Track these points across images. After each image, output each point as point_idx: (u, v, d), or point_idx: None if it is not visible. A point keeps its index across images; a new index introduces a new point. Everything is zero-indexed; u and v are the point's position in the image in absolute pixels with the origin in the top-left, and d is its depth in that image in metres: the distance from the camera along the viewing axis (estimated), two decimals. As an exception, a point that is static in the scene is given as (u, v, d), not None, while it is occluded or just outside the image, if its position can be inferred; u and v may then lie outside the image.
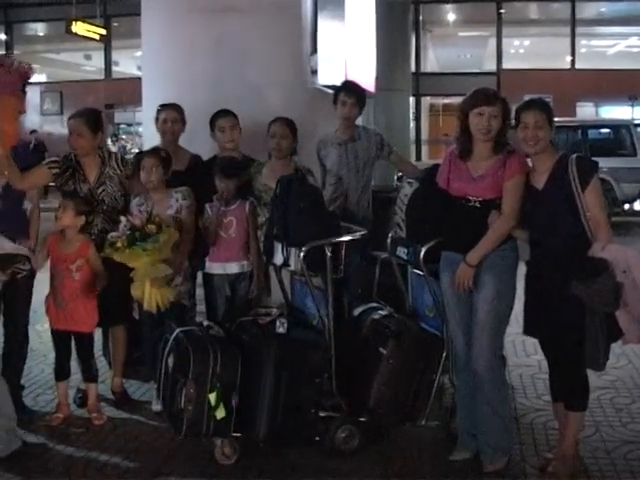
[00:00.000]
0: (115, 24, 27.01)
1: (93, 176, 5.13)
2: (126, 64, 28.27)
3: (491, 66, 25.96)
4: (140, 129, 24.39)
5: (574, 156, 4.01)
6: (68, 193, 5.06)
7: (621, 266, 3.79)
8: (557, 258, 3.99)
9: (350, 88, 5.98)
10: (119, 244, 4.68)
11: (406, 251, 4.58)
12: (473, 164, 4.19)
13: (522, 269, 4.20)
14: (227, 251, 5.16)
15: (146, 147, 6.31)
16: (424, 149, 26.78)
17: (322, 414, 4.43)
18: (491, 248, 4.10)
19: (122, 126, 27.76)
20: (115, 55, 27.93)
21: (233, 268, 5.18)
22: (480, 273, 4.12)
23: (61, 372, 5.03)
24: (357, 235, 4.67)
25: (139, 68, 25.17)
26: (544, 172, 4.06)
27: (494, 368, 4.19)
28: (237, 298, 5.18)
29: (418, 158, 24.32)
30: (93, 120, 5.14)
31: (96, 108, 5.60)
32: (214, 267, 5.21)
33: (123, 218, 4.80)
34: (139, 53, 6.45)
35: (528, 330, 4.28)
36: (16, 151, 4.95)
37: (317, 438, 4.42)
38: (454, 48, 28.49)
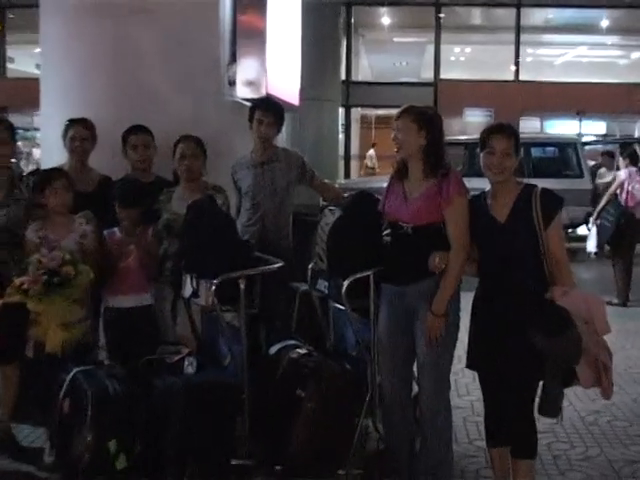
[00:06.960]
0: (11, 16, 26.56)
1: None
2: (23, 61, 27.79)
3: (429, 75, 26.16)
4: (38, 134, 24.00)
5: (539, 189, 4.06)
6: None
7: (583, 315, 3.88)
8: (513, 296, 4.03)
9: (267, 106, 5.99)
10: (33, 291, 4.60)
11: (327, 284, 4.67)
12: (409, 185, 4.28)
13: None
14: (125, 282, 5.13)
15: (45, 162, 6.23)
16: (354, 165, 26.82)
17: (234, 462, 4.48)
18: (452, 290, 4.16)
19: (19, 131, 27.20)
20: (10, 51, 27.42)
21: (131, 301, 5.15)
22: (419, 310, 4.21)
23: None
24: (273, 267, 4.73)
25: (38, 67, 24.60)
26: (506, 203, 4.09)
27: (439, 408, 4.27)
28: (138, 334, 5.09)
29: (347, 175, 24.39)
30: (11, 127, 5.18)
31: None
32: (110, 300, 5.17)
33: (33, 259, 4.69)
34: (39, 49, 6.31)
35: (472, 364, 4.31)
36: None
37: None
38: (389, 55, 28.68)
